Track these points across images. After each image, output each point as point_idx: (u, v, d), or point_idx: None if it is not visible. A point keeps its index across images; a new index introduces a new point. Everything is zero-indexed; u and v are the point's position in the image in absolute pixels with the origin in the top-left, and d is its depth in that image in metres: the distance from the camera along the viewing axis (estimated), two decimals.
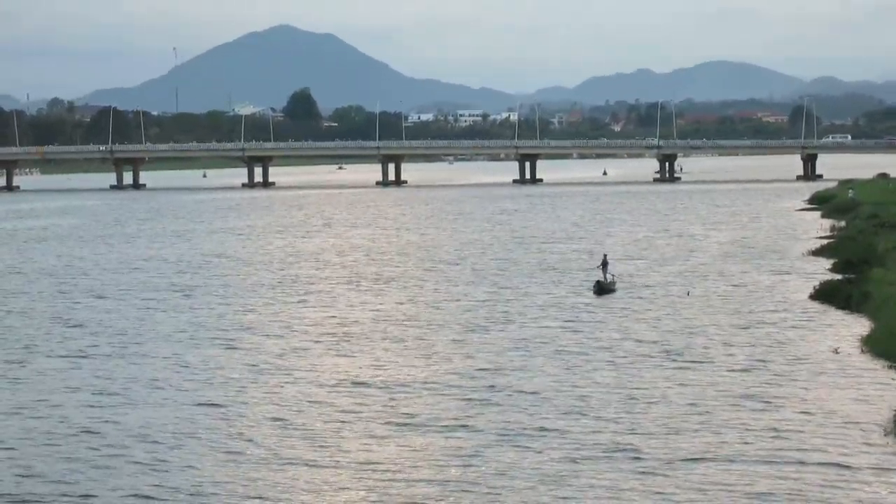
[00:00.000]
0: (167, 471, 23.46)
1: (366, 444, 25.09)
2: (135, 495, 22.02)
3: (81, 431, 26.69)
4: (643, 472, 22.31)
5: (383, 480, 22.43)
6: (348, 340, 37.91)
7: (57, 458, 24.54)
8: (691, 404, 27.69)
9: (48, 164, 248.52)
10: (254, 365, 34.02)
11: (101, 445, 25.40)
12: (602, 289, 47.57)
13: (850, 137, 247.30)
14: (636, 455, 23.50)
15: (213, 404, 29.04)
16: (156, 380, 32.25)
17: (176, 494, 22.00)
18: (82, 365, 34.79)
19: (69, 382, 32.24)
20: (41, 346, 38.40)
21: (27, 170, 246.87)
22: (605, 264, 49.40)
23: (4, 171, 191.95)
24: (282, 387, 30.96)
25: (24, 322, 43.78)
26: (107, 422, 27.52)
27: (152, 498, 21.87)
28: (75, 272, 61.84)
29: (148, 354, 36.17)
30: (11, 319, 44.59)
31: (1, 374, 33.65)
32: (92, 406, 29.25)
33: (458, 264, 61.08)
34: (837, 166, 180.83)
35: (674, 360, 33.13)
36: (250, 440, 25.55)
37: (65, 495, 22.12)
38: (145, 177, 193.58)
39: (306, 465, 23.66)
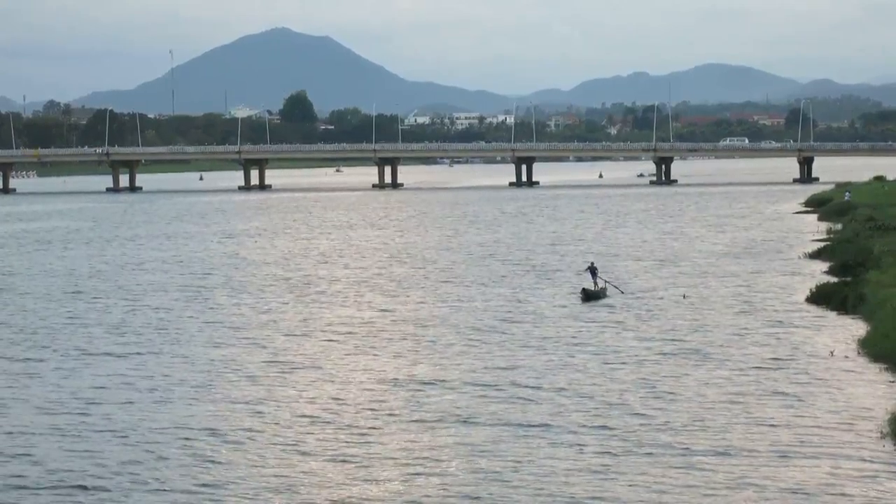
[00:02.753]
0: (204, 464, 23.82)
1: (397, 438, 25.49)
2: (172, 489, 22.29)
3: (119, 428, 26.97)
4: (644, 462, 22.37)
5: (416, 475, 22.78)
6: (366, 339, 38.38)
7: (95, 454, 24.80)
8: (690, 403, 27.71)
9: (44, 167, 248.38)
10: (279, 363, 34.50)
11: (137, 442, 25.69)
12: (589, 296, 46.46)
13: (747, 141, 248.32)
14: (637, 444, 23.67)
15: (243, 402, 29.40)
16: (184, 378, 32.55)
17: (212, 488, 22.28)
18: (110, 363, 35.09)
19: (99, 381, 32.52)
20: (65, 345, 38.67)
21: (24, 172, 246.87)
22: (594, 271, 48.51)
23: (0, 173, 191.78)
24: (309, 383, 31.47)
25: (45, 323, 43.93)
26: (142, 419, 27.83)
27: (188, 492, 22.10)
28: (88, 274, 61.78)
29: (173, 354, 36.49)
30: (32, 320, 44.77)
31: (30, 373, 33.97)
32: (126, 403, 29.55)
33: (456, 267, 61.07)
34: (834, 169, 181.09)
35: (669, 363, 33.13)
36: (283, 436, 25.90)
37: (104, 490, 22.37)
38: (141, 179, 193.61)
39: (338, 459, 23.99)
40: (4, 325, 43.30)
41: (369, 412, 27.97)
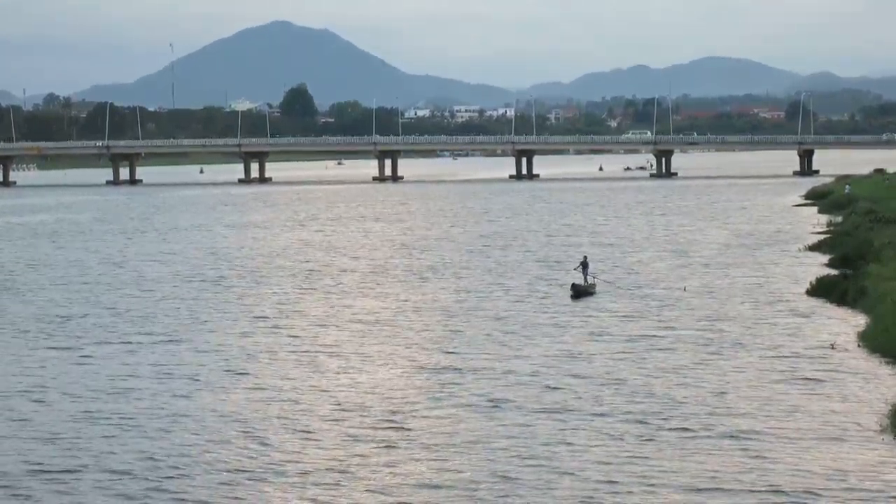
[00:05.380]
0: (242, 447, 24.37)
1: (432, 423, 25.97)
2: (211, 473, 22.67)
3: (158, 415, 27.41)
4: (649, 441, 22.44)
5: (453, 459, 23.22)
6: (385, 329, 39.06)
7: (135, 441, 25.24)
8: (688, 393, 27.79)
9: (44, 160, 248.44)
10: (305, 351, 35.09)
11: (177, 429, 26.06)
12: (579, 292, 45.73)
13: (650, 133, 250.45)
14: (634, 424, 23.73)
15: (276, 389, 29.89)
16: (215, 367, 33.06)
17: (252, 473, 22.63)
18: (141, 352, 35.64)
19: (133, 368, 33.07)
20: (94, 334, 39.18)
21: (24, 165, 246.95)
22: (585, 266, 47.66)
23: (1, 166, 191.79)
24: (337, 371, 32.11)
25: (72, 312, 44.33)
26: (178, 406, 28.29)
27: (227, 477, 22.43)
28: (105, 266, 62.04)
29: (203, 342, 37.07)
30: (58, 310, 45.07)
31: (65, 362, 34.47)
32: (162, 391, 30.07)
33: (462, 259, 61.15)
34: (834, 162, 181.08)
35: (669, 353, 33.19)
36: (317, 422, 26.38)
37: (145, 476, 22.71)
38: (141, 172, 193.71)
39: (372, 445, 24.39)
40: (32, 317, 43.65)
41: (398, 399, 28.44)
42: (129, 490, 21.88)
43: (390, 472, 22.45)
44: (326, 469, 22.74)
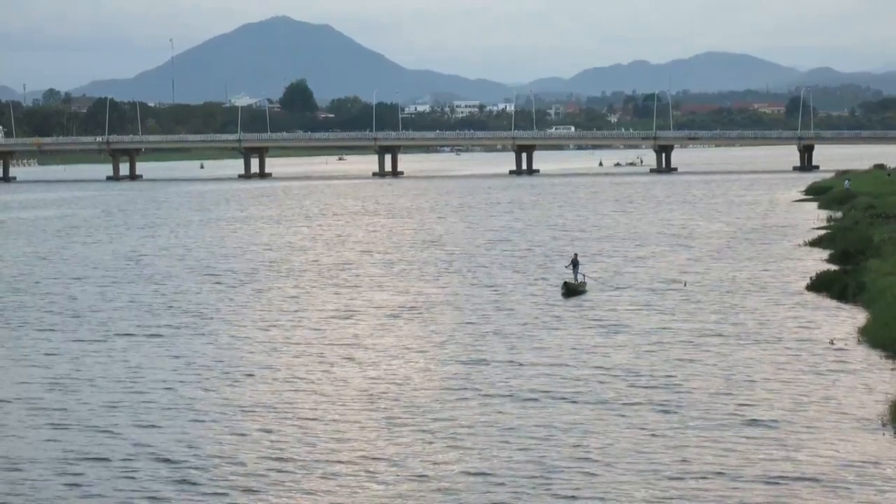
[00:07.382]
0: (272, 433, 24.88)
1: (456, 414, 26.31)
2: (244, 462, 22.97)
3: (189, 406, 27.75)
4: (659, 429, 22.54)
5: (477, 448, 23.51)
6: (401, 321, 39.64)
7: (168, 430, 25.55)
8: (686, 388, 27.88)
9: (44, 156, 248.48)
10: (324, 343, 35.53)
11: (208, 420, 26.40)
12: (570, 290, 45.47)
13: (573, 129, 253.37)
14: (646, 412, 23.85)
15: (304, 380, 30.36)
16: (238, 357, 33.58)
17: (279, 461, 22.94)
18: (165, 345, 36.02)
19: (157, 360, 33.46)
20: (116, 327, 39.54)
21: (24, 161, 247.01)
22: (575, 264, 47.22)
23: (1, 161, 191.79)
24: (361, 363, 32.52)
25: (92, 306, 44.68)
26: (210, 396, 28.73)
27: (259, 465, 22.70)
28: (119, 261, 62.30)
29: (223, 334, 37.59)
30: (78, 305, 45.37)
31: (87, 351, 35.09)
32: (185, 381, 30.53)
33: (470, 256, 61.24)
34: (834, 157, 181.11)
35: (667, 349, 33.25)
36: (346, 412, 26.76)
37: (181, 463, 23.04)
38: (141, 168, 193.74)
39: (394, 434, 24.76)
40: (54, 311, 43.95)
41: (422, 390, 28.78)
42: (157, 479, 22.07)
43: (418, 462, 22.66)
44: (352, 459, 22.95)
